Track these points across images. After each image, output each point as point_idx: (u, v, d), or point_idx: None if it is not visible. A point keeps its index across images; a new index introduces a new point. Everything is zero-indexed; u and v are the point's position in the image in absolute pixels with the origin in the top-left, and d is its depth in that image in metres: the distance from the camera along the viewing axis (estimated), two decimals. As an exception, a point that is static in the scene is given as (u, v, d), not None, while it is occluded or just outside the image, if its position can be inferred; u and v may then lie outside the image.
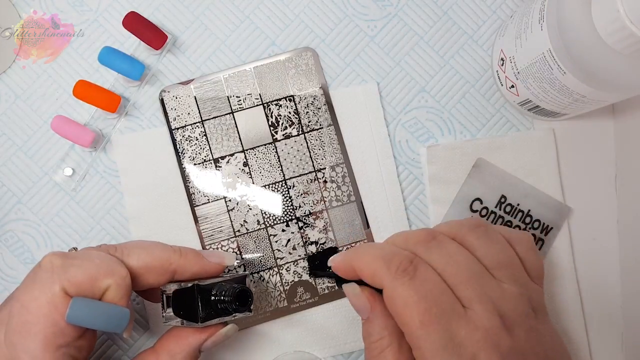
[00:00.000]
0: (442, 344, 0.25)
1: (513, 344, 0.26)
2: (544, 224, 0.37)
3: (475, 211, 0.37)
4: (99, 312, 0.26)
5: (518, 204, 0.37)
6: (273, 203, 0.37)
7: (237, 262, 0.35)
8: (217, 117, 0.37)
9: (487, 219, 0.37)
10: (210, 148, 0.37)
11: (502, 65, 0.36)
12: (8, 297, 0.28)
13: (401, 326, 0.26)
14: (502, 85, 0.37)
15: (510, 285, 0.27)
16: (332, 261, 0.31)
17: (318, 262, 0.37)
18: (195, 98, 0.38)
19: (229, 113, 0.38)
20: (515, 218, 0.37)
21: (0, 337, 0.26)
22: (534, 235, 0.37)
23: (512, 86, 0.35)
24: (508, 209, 0.37)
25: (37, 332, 0.25)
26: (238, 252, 0.37)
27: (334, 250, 0.37)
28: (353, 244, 0.37)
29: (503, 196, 0.37)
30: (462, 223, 0.30)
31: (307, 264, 0.37)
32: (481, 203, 0.37)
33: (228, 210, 0.37)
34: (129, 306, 0.28)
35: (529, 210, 0.37)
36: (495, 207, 0.37)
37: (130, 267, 0.29)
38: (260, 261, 0.37)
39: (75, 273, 0.26)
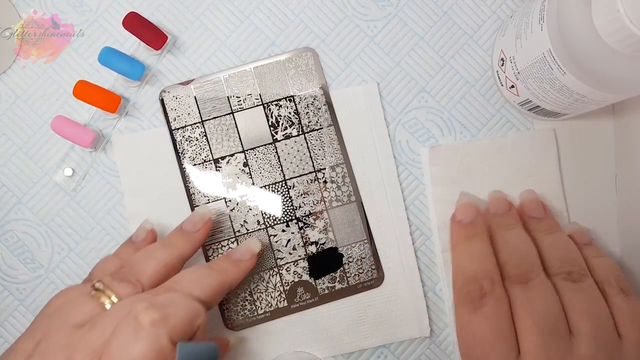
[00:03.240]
0: None
1: None
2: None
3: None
4: (198, 352, 0.28)
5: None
6: (273, 203, 0.37)
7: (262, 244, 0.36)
8: (217, 117, 0.37)
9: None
10: (210, 148, 0.37)
11: (502, 65, 0.36)
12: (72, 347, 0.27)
13: None
14: (502, 85, 0.37)
15: (586, 346, 0.27)
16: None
17: (318, 264, 0.37)
18: (196, 98, 0.38)
19: (229, 113, 0.38)
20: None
21: None
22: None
23: (512, 86, 0.35)
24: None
25: None
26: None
27: (334, 251, 0.37)
28: (353, 244, 0.37)
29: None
30: (564, 260, 0.30)
31: (307, 264, 0.37)
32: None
33: (228, 211, 0.37)
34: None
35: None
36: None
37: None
38: (261, 261, 0.37)
39: (176, 323, 0.27)
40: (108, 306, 0.29)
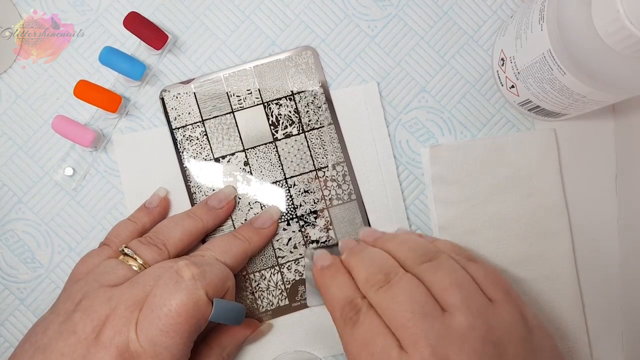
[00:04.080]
0: None
1: None
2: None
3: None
4: (230, 308, 0.31)
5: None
6: (274, 202, 0.37)
7: (282, 211, 0.37)
8: (217, 116, 0.37)
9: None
10: (211, 147, 0.37)
11: (503, 65, 0.36)
12: (115, 300, 0.29)
13: None
14: (502, 85, 0.37)
15: (461, 317, 0.27)
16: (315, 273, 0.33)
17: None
18: (196, 97, 0.38)
19: (229, 112, 0.38)
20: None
21: (132, 336, 0.28)
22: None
23: (513, 86, 0.35)
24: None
25: (183, 331, 0.28)
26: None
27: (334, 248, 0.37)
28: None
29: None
30: (416, 251, 0.31)
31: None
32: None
33: (229, 210, 0.37)
34: None
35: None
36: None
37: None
38: (262, 259, 0.37)
39: (212, 279, 0.30)
40: (137, 270, 0.31)
